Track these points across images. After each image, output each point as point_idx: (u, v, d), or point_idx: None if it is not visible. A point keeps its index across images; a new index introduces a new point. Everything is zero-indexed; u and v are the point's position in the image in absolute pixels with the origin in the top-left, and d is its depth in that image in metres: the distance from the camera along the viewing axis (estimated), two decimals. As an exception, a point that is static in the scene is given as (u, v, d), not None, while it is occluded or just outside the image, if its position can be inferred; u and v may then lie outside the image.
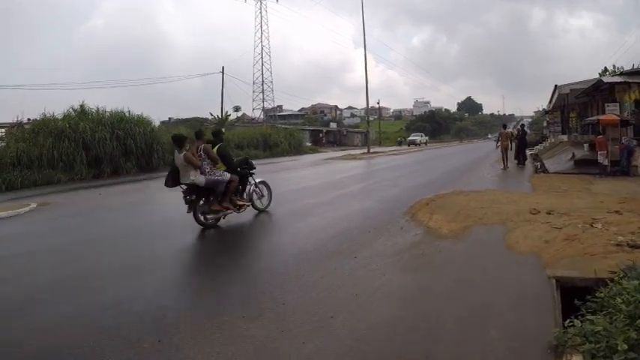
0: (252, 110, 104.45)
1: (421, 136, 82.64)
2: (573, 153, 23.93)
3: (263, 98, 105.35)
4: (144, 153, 32.73)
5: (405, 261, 7.81)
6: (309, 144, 63.81)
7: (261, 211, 12.79)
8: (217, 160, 11.41)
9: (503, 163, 24.65)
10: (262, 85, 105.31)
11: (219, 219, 11.37)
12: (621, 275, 5.78)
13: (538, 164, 26.80)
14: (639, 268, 5.81)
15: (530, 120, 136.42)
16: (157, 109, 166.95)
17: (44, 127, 29.73)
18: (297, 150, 52.06)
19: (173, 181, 11.08)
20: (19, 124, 35.36)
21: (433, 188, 16.41)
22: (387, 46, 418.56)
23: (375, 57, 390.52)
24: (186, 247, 9.75)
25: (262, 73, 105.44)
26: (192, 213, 10.92)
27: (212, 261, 8.57)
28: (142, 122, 34.26)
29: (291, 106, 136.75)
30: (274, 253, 8.94)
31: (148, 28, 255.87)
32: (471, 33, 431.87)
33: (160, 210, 15.00)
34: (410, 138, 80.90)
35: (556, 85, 32.72)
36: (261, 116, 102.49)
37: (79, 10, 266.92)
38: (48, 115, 31.41)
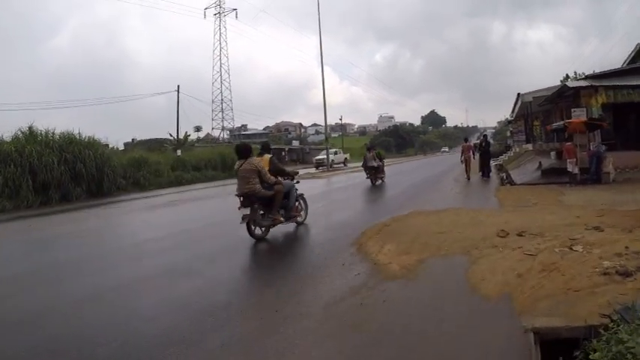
0: (212, 129, 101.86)
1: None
2: (540, 162, 22.45)
3: (222, 117, 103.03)
4: (94, 177, 30.89)
5: (337, 318, 5.83)
6: (270, 162, 60.96)
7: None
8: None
9: (467, 174, 24.19)
10: (222, 103, 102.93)
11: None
12: (617, 319, 4.24)
13: (504, 175, 25.37)
14: (639, 310, 4.26)
15: (493, 130, 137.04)
16: (122, 130, 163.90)
17: None
18: (257, 170, 48.99)
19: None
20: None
21: (390, 208, 14.76)
22: (352, 62, 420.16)
23: (339, 74, 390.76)
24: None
25: (221, 92, 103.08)
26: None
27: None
28: (92, 145, 32.48)
29: (256, 125, 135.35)
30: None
31: (113, 48, 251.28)
32: (433, 48, 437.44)
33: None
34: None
35: (519, 94, 31.42)
36: (223, 136, 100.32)
37: (40, 29, 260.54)
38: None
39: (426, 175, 30.24)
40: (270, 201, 11.13)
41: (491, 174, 25.26)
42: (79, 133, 32.70)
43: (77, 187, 29.56)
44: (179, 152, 43.94)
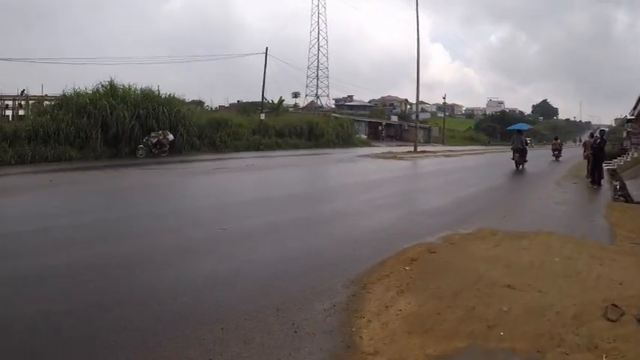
0: (306, 96, 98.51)
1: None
2: None
3: (317, 84, 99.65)
4: None
5: None
6: (364, 136, 58.26)
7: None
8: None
9: (590, 176, 19.63)
10: (317, 70, 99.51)
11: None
12: None
13: (617, 184, 20.30)
14: None
15: (606, 129, 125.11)
16: (228, 92, 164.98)
17: (68, 102, 28.01)
18: (345, 142, 46.05)
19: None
20: (23, 97, 36.47)
21: (453, 217, 10.76)
22: (465, 42, 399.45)
23: (451, 52, 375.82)
24: None
25: (318, 58, 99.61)
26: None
27: None
28: (169, 102, 31.25)
29: (363, 97, 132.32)
30: None
31: (223, 11, 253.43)
32: (551, 33, 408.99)
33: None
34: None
35: None
36: (326, 103, 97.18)
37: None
38: (77, 89, 29.31)
39: (518, 172, 24.45)
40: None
41: (602, 181, 19.50)
42: (158, 89, 32.16)
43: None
44: (262, 116, 41.02)
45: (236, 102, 73.42)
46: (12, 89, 38.66)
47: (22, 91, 37.69)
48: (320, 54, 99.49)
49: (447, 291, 5.71)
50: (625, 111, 52.33)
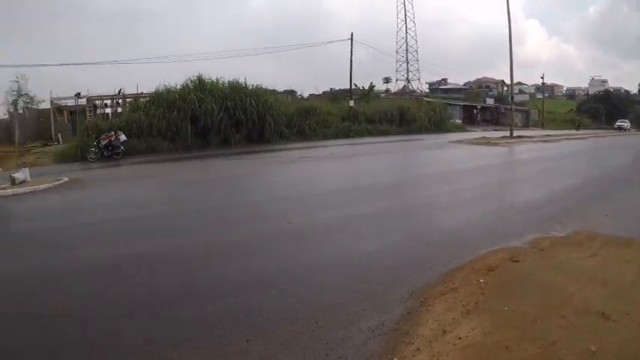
0: (396, 81, 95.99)
1: (626, 122, 74.61)
2: None
3: (407, 68, 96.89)
4: (255, 125, 30.88)
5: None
6: (458, 121, 55.97)
7: None
8: None
9: None
10: (407, 54, 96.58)
11: None
12: None
13: None
14: None
15: None
16: (320, 80, 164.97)
17: (159, 98, 30.03)
18: (438, 127, 43.99)
19: None
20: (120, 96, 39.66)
21: (546, 214, 9.38)
22: (562, 16, 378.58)
23: (547, 28, 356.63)
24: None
25: (406, 41, 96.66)
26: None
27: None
28: (256, 93, 32.14)
29: (457, 80, 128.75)
30: None
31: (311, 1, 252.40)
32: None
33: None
34: (618, 123, 71.40)
35: None
36: (417, 87, 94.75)
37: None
38: (168, 86, 31.23)
39: (623, 160, 21.24)
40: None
41: None
42: (245, 81, 32.88)
43: (237, 134, 29.95)
44: (351, 103, 40.35)
45: (329, 90, 73.06)
46: (110, 90, 41.08)
47: (119, 91, 40.13)
48: (408, 37, 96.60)
49: (524, 316, 4.64)
50: None
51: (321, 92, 71.76)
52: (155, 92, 31.15)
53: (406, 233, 8.09)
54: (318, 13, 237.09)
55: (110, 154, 24.27)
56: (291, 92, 68.62)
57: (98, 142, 24.66)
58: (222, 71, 60.13)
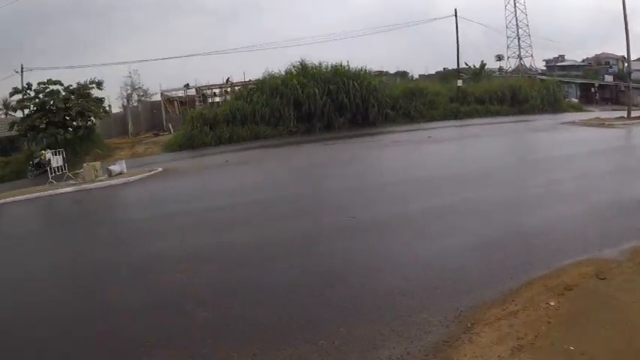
0: (507, 58, 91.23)
1: None
2: None
3: (519, 44, 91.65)
4: (359, 108, 30.37)
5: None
6: (574, 100, 52.41)
7: None
8: None
9: None
10: (517, 29, 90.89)
11: None
12: None
13: None
14: None
15: None
16: (431, 61, 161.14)
17: (262, 85, 30.73)
18: (552, 107, 40.22)
19: None
20: (228, 84, 40.24)
21: (618, 225, 6.91)
22: None
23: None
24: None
25: (516, 15, 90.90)
26: None
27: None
28: (358, 76, 31.55)
29: (576, 56, 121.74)
30: None
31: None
32: None
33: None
34: None
35: None
36: (526, 65, 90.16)
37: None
38: (271, 72, 31.89)
39: None
40: None
41: None
42: (348, 64, 32.52)
43: (341, 117, 29.77)
44: (460, 82, 38.14)
45: (441, 70, 71.17)
46: (218, 79, 42.24)
47: (227, 79, 40.85)
48: (518, 11, 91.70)
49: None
50: None
51: (433, 72, 69.89)
52: (259, 80, 31.64)
53: (475, 236, 6.84)
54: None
55: (40, 173, 23.02)
56: (403, 74, 67.15)
57: (32, 162, 24.23)
58: (330, 56, 60.08)
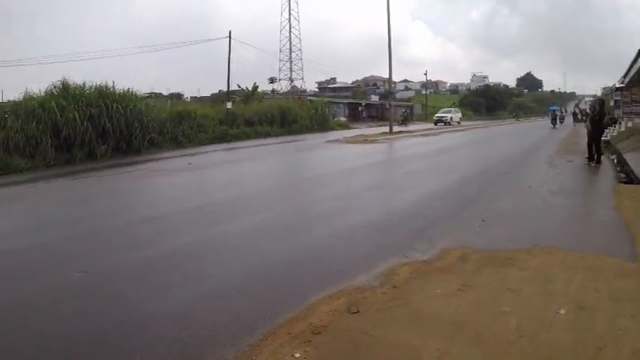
0: (279, 81, 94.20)
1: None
2: None
3: (290, 67, 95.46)
4: (123, 134, 26.97)
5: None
6: (343, 119, 55.29)
7: None
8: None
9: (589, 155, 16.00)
10: (290, 53, 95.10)
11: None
12: None
13: (614, 159, 17.33)
14: None
15: (590, 99, 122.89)
16: (208, 82, 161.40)
17: (17, 107, 25.47)
18: (321, 126, 42.85)
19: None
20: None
21: (409, 228, 7.57)
22: (447, 18, 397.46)
23: (433, 29, 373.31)
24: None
25: (290, 40, 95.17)
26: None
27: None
28: (123, 98, 28.29)
29: (346, 78, 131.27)
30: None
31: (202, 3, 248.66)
32: (532, 6, 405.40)
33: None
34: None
35: None
36: (297, 87, 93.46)
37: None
38: (30, 93, 26.70)
39: (510, 152, 20.81)
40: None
41: (602, 157, 16.17)
42: (113, 85, 29.15)
43: (104, 145, 25.93)
44: (229, 105, 37.98)
45: (218, 92, 70.26)
46: None
47: None
48: (292, 36, 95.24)
49: None
50: (608, 80, 51.00)
51: (209, 94, 68.90)
52: (16, 101, 27.02)
53: (203, 284, 5.63)
54: (211, 17, 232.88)
55: None
56: (178, 96, 65.37)
57: None
58: (102, 75, 55.86)
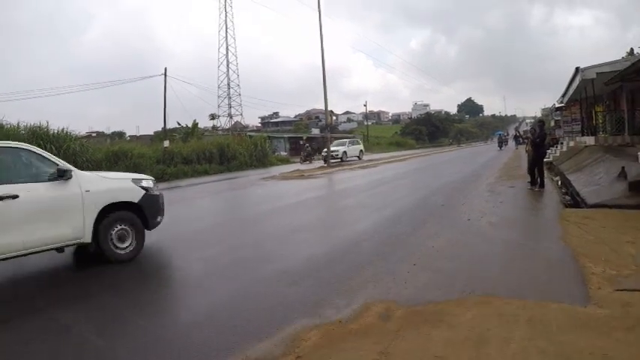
0: (218, 118, 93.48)
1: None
2: (623, 167, 13.45)
3: (229, 104, 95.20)
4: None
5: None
6: (284, 153, 54.69)
7: None
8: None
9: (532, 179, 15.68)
10: (229, 89, 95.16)
11: None
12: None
13: (557, 180, 16.87)
14: None
15: (531, 121, 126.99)
16: (152, 121, 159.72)
17: None
18: (261, 162, 42.12)
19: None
20: None
21: (329, 278, 6.61)
22: (386, 49, 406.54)
23: (373, 61, 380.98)
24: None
25: (228, 76, 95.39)
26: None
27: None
28: (59, 138, 27.68)
29: (288, 112, 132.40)
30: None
31: (144, 39, 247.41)
32: (469, 33, 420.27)
33: None
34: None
35: (577, 69, 21.42)
36: (236, 123, 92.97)
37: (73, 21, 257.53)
38: None
39: (446, 180, 20.15)
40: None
41: (545, 181, 15.60)
42: (47, 124, 28.23)
43: None
44: (166, 143, 36.89)
45: (159, 129, 68.81)
46: None
47: None
48: (230, 72, 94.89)
49: None
50: (548, 101, 51.89)
51: (152, 132, 67.38)
52: None
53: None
54: (153, 54, 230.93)
55: None
56: (120, 134, 63.74)
57: None
58: (45, 115, 53.86)
